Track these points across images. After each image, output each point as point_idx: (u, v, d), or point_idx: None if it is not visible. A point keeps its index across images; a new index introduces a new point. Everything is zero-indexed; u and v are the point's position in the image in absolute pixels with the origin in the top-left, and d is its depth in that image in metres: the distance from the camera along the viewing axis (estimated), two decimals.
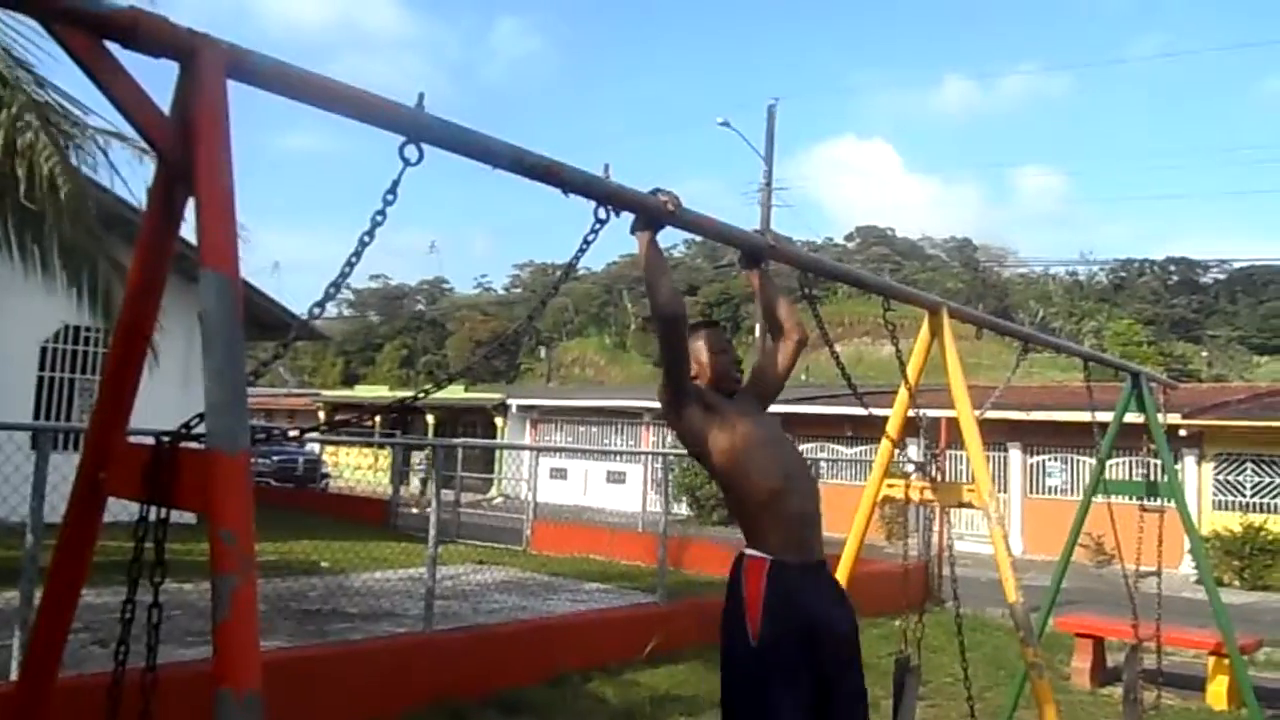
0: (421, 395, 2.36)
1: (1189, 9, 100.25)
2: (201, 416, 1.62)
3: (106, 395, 1.79)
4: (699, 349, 2.95)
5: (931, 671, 6.26)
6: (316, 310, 2.13)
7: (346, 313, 71.09)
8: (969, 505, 3.74)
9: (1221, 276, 67.40)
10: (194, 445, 1.63)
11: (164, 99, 1.73)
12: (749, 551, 2.80)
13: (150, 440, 1.68)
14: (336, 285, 1.94)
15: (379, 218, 1.96)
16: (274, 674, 1.47)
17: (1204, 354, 56.03)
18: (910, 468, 3.91)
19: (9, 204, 6.39)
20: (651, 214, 2.64)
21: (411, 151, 1.98)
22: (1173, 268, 68.27)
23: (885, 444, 3.87)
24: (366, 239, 1.96)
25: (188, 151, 1.60)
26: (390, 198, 1.96)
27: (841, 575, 3.93)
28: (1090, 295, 64.61)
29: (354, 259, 1.97)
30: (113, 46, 1.58)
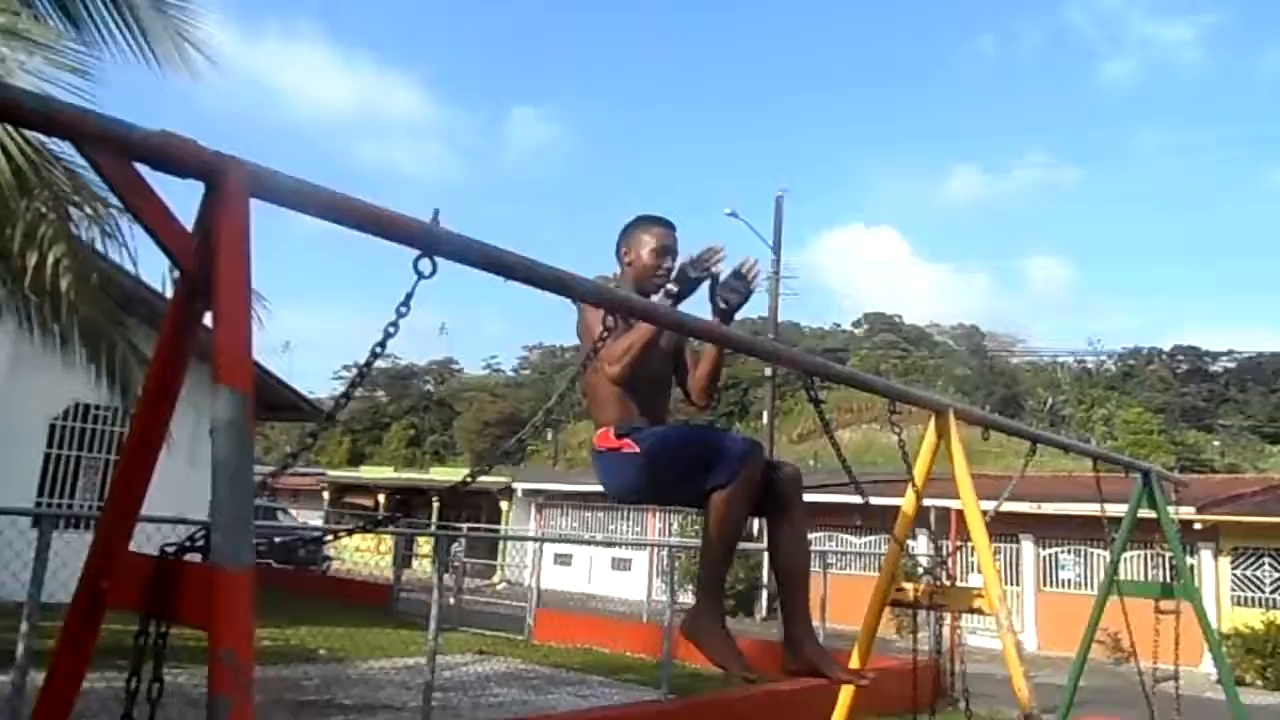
0: (470, 480, 2.37)
1: (1190, 104, 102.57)
2: (206, 529, 1.62)
3: (113, 503, 1.79)
4: (644, 240, 3.11)
5: None
6: (333, 404, 2.17)
7: (355, 391, 71.25)
8: (979, 611, 3.68)
9: (1230, 365, 67.26)
10: (197, 559, 1.63)
11: (183, 208, 1.79)
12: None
13: (154, 552, 1.68)
14: (347, 395, 1.96)
15: (391, 329, 1.99)
16: None
17: (1216, 443, 55.54)
18: (920, 571, 3.85)
19: (30, 286, 6.49)
20: (664, 324, 2.71)
21: (425, 265, 2.02)
22: (1181, 356, 68.22)
23: (893, 546, 3.83)
24: (379, 349, 1.99)
25: (208, 268, 1.64)
26: (403, 309, 2.00)
27: (854, 663, 3.86)
28: (1099, 383, 64.42)
29: (365, 369, 2.00)
30: (141, 166, 1.64)
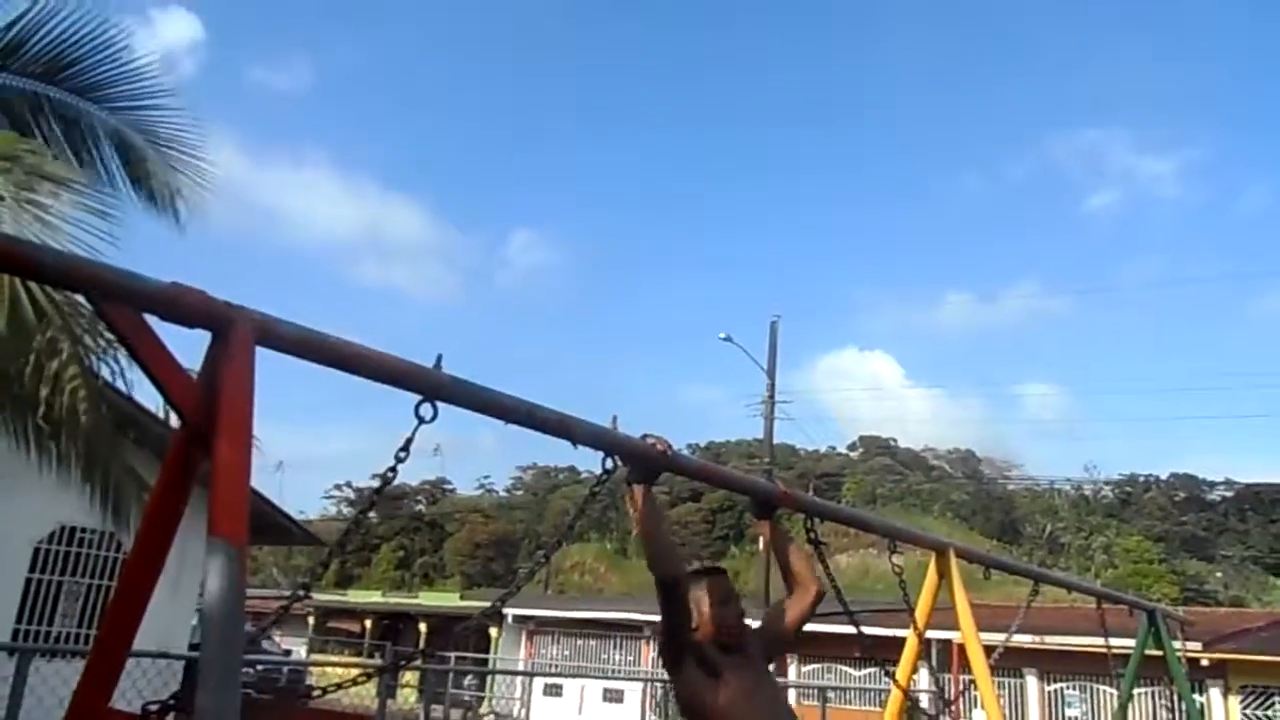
0: (492, 608, 2.32)
1: (1178, 234, 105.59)
2: (190, 685, 1.57)
3: (97, 658, 1.75)
4: (699, 598, 2.86)
5: None
6: (339, 535, 2.13)
7: (347, 511, 70.47)
8: None
9: (1228, 494, 66.93)
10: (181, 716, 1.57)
11: (178, 344, 1.80)
12: None
13: (137, 711, 1.62)
14: (342, 545, 1.93)
15: (390, 474, 1.98)
16: None
17: (1219, 574, 54.72)
18: (924, 718, 3.73)
19: (30, 416, 6.49)
20: (644, 460, 2.63)
21: (427, 410, 2.03)
22: (1178, 484, 67.93)
23: (895, 692, 3.72)
24: (375, 497, 1.98)
25: (210, 416, 1.65)
26: (403, 454, 2.00)
27: None
28: (1097, 510, 63.89)
29: (363, 513, 1.99)
30: (150, 317, 1.66)
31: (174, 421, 1.90)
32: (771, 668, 3.03)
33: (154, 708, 1.61)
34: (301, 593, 1.99)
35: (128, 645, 1.75)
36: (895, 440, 74.64)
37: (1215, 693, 17.42)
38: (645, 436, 2.65)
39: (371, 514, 64.97)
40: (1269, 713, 17.28)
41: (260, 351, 1.77)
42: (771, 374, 25.52)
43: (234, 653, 1.49)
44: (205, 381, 1.70)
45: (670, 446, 2.67)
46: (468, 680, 22.16)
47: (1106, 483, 67.01)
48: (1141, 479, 68.64)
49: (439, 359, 2.07)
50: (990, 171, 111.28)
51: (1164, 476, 68.96)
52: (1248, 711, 17.50)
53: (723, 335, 25.12)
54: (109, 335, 6.44)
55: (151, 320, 1.70)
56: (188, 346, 1.85)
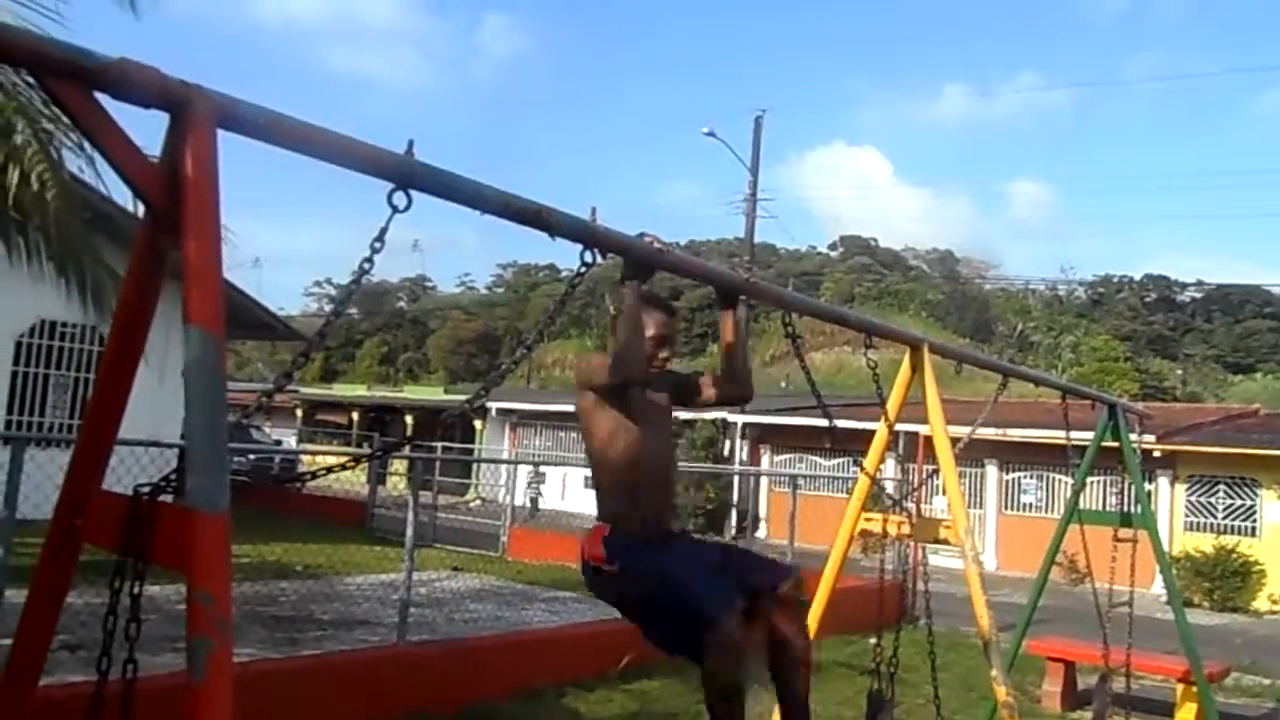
0: (471, 405, 2.40)
1: (1184, 28, 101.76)
2: (180, 470, 1.61)
3: (85, 443, 1.77)
4: (645, 323, 2.93)
5: (904, 692, 6.29)
6: (319, 327, 2.18)
7: (327, 308, 70.75)
8: (945, 542, 3.77)
9: (1198, 295, 68.21)
10: (171, 500, 1.62)
11: (151, 141, 1.73)
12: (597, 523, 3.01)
13: (129, 492, 1.67)
14: (322, 335, 1.93)
15: (366, 265, 1.96)
16: (241, 689, 1.45)
17: (1179, 371, 56.62)
18: (888, 502, 3.93)
19: (13, 205, 6.34)
20: (641, 258, 2.64)
21: (400, 199, 1.97)
22: (1150, 285, 69.01)
23: (862, 479, 3.90)
24: (354, 286, 1.96)
25: (175, 204, 1.59)
26: (378, 245, 1.96)
27: (820, 596, 3.97)
28: (1069, 310, 65.14)
29: (342, 304, 1.98)
30: (103, 97, 1.57)
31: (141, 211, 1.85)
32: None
33: (145, 489, 1.65)
34: (284, 381, 2.01)
35: (114, 429, 1.77)
36: (876, 240, 74.73)
37: (1164, 481, 18.46)
38: (643, 235, 2.67)
39: (353, 310, 65.45)
40: (1211, 500, 18.40)
41: (229, 138, 1.69)
42: (755, 170, 25.13)
43: (219, 435, 1.51)
44: (166, 165, 1.63)
45: (666, 246, 2.69)
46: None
47: (1080, 283, 67.99)
48: (1115, 279, 69.61)
49: (410, 144, 2.00)
50: None
51: (1137, 277, 69.93)
52: (1191, 498, 18.63)
53: (706, 130, 24.51)
54: (67, 120, 6.18)
55: (106, 102, 1.61)
56: (152, 138, 1.76)
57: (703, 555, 3.01)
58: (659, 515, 3.01)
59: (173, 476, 1.65)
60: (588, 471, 3.07)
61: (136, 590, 1.61)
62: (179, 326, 1.51)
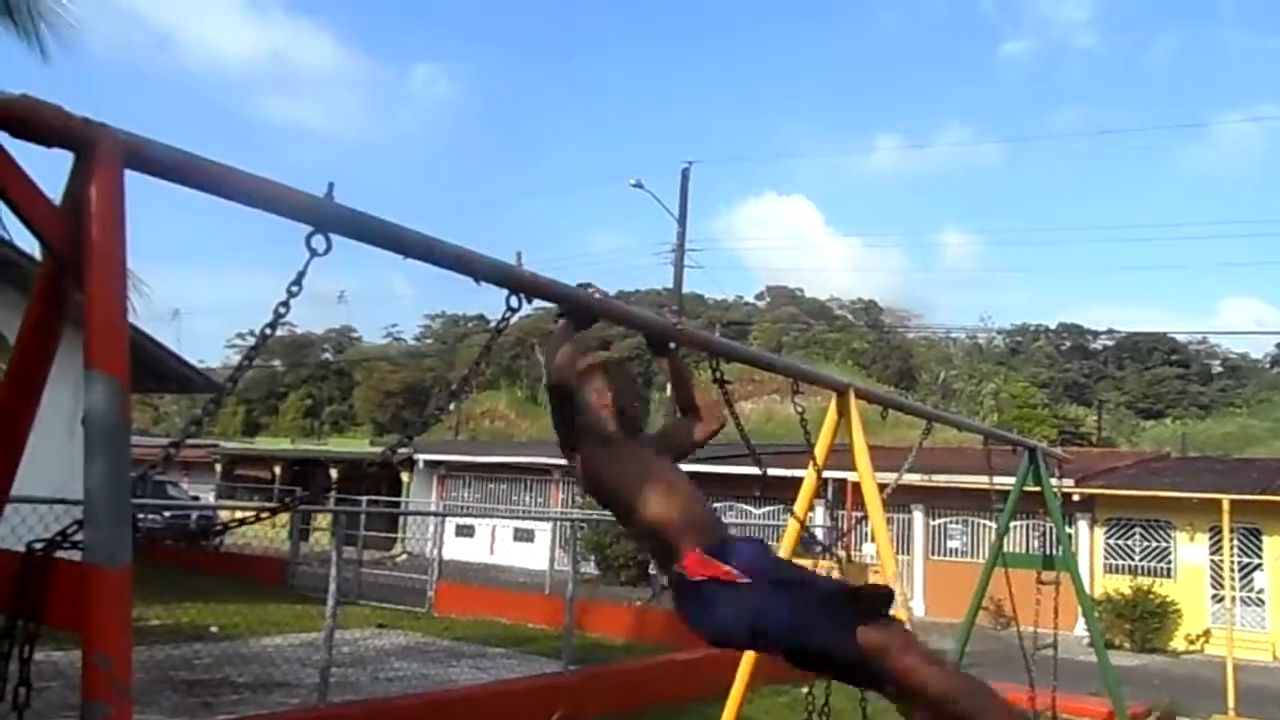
0: (393, 453, 2.31)
1: (1108, 86, 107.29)
2: (79, 524, 1.52)
3: None
4: (600, 389, 2.79)
5: None
6: (229, 375, 2.09)
7: (251, 365, 68.86)
8: None
9: (1110, 343, 70.97)
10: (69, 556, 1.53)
11: (51, 180, 1.66)
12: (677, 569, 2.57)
13: (21, 549, 1.57)
14: (234, 380, 1.87)
15: (282, 309, 1.90)
16: None
17: (1093, 418, 58.62)
18: (818, 549, 3.94)
19: None
20: (574, 305, 2.65)
21: (319, 242, 1.93)
22: (1065, 334, 71.58)
23: (792, 523, 3.90)
24: (269, 330, 1.90)
25: (79, 246, 1.53)
26: (295, 289, 1.91)
27: None
28: (989, 359, 67.06)
29: (255, 351, 1.92)
30: (3, 136, 1.51)
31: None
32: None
33: (39, 545, 1.55)
34: (194, 429, 1.93)
35: (8, 480, 1.67)
36: (802, 290, 76.10)
37: (1083, 524, 18.95)
38: (588, 286, 2.71)
39: (276, 361, 63.97)
40: (1128, 542, 18.94)
41: (145, 184, 1.64)
42: (682, 221, 25.45)
43: (121, 485, 1.43)
44: (70, 206, 1.56)
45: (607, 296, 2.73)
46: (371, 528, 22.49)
47: (999, 332, 70.11)
48: (1032, 328, 72.03)
49: (330, 187, 1.96)
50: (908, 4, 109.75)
51: (1053, 326, 72.51)
52: (1109, 541, 19.15)
53: (634, 181, 24.81)
54: None
55: (7, 141, 1.55)
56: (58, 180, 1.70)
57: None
58: (718, 528, 2.70)
59: (70, 530, 1.55)
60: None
61: (27, 654, 1.50)
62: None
